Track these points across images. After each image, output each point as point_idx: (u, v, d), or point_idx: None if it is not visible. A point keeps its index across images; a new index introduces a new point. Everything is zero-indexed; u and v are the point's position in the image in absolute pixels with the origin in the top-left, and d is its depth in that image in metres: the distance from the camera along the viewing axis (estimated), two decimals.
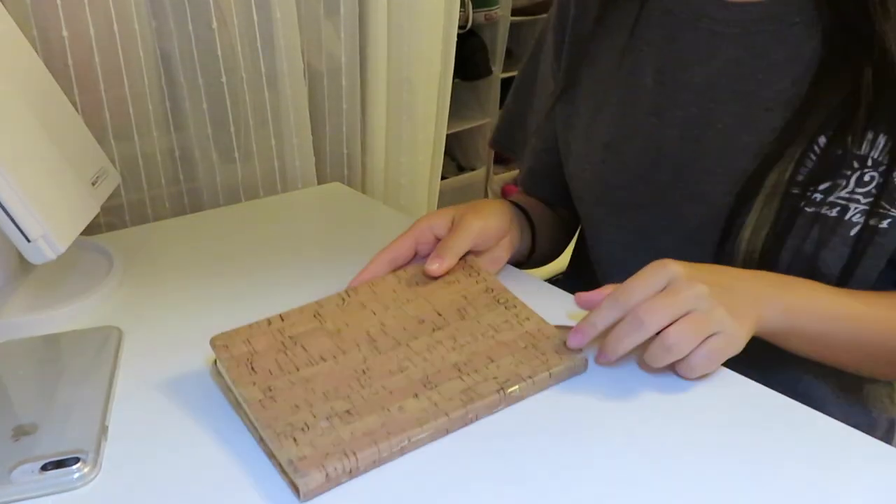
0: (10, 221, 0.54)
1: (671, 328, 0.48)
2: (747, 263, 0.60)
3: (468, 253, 0.62)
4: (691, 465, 0.44)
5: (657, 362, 0.49)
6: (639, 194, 0.67)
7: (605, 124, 0.69)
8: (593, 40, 0.71)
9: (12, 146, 0.56)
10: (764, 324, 0.53)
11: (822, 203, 0.58)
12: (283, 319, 0.54)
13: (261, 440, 0.46)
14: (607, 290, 0.52)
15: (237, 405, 0.49)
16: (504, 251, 0.66)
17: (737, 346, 0.50)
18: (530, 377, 0.50)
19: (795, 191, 0.58)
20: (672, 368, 0.50)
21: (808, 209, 0.58)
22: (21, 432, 0.44)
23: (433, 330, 0.54)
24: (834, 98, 0.58)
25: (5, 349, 0.55)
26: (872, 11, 0.56)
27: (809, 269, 0.59)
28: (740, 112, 0.62)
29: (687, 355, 0.49)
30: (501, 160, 2.45)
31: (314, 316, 0.55)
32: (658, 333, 0.48)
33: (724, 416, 0.48)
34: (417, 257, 0.63)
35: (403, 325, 0.55)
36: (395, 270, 0.61)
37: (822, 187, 0.58)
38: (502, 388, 0.49)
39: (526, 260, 0.75)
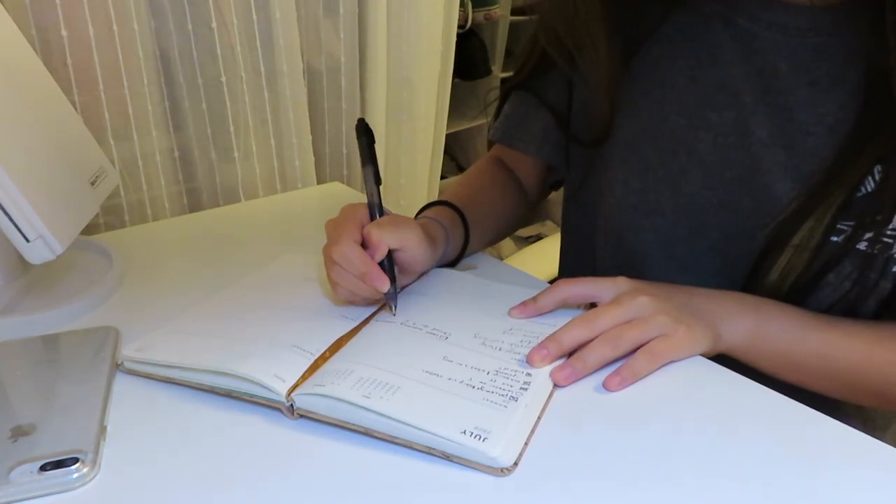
0: (9, 221, 0.54)
1: (614, 329, 0.51)
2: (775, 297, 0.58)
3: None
4: (689, 463, 0.43)
5: (599, 357, 0.51)
6: (662, 199, 0.62)
7: (628, 121, 0.64)
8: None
9: (11, 146, 0.56)
10: (727, 340, 0.54)
11: (861, 239, 0.54)
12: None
13: None
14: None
15: None
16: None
17: (681, 351, 0.52)
18: None
19: (834, 238, 0.54)
20: (619, 375, 0.50)
21: (846, 245, 0.54)
22: (19, 433, 0.44)
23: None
24: (881, 139, 0.53)
25: (4, 349, 0.55)
26: None
27: (847, 307, 0.56)
28: (776, 127, 0.57)
29: (631, 359, 0.50)
30: None
31: None
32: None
33: (721, 415, 0.48)
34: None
35: None
36: None
37: (864, 226, 0.54)
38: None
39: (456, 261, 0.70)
